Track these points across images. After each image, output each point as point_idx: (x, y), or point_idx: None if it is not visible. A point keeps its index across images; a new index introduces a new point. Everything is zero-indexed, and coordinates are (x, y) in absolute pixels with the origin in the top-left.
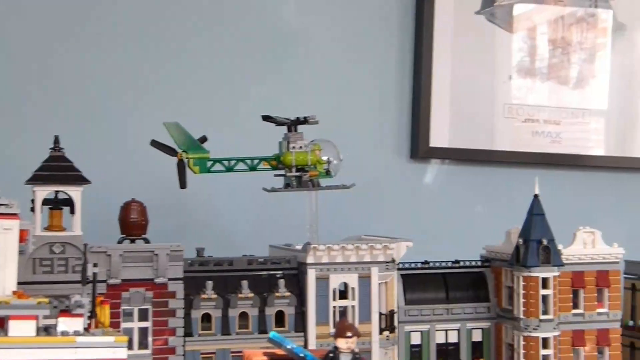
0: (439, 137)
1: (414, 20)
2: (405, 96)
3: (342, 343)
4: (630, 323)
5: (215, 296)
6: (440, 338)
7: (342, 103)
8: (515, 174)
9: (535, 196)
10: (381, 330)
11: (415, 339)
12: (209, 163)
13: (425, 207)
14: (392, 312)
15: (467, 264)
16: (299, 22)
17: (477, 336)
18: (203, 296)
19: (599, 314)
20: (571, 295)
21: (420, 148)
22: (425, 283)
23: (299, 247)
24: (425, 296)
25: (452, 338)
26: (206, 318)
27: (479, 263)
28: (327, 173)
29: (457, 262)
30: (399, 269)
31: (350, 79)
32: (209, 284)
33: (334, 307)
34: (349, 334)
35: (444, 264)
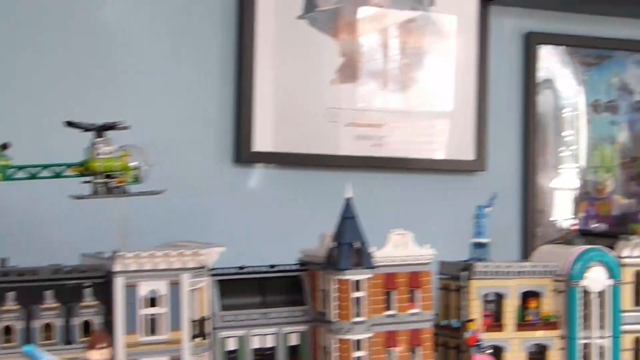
0: (262, 142)
1: (235, 24)
2: (227, 100)
3: (94, 355)
4: (444, 322)
5: (17, 307)
6: (256, 343)
7: (162, 107)
8: (339, 177)
9: (347, 199)
10: (193, 337)
11: (231, 345)
12: (11, 170)
13: (249, 212)
14: (203, 319)
15: (284, 268)
16: (115, 21)
17: (294, 340)
18: (3, 308)
19: (412, 314)
20: (384, 297)
21: (243, 153)
22: (241, 288)
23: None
24: (241, 301)
25: (269, 342)
26: (8, 331)
27: (296, 267)
28: (136, 179)
29: (274, 266)
30: (214, 275)
31: (169, 83)
32: (10, 295)
33: (143, 315)
34: (100, 345)
35: (260, 269)
